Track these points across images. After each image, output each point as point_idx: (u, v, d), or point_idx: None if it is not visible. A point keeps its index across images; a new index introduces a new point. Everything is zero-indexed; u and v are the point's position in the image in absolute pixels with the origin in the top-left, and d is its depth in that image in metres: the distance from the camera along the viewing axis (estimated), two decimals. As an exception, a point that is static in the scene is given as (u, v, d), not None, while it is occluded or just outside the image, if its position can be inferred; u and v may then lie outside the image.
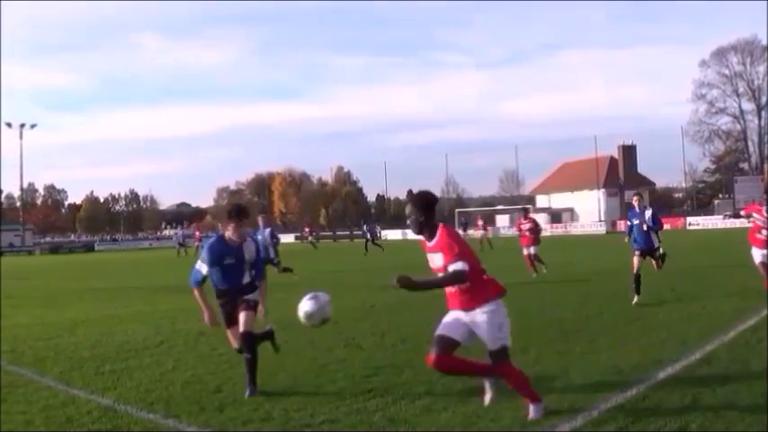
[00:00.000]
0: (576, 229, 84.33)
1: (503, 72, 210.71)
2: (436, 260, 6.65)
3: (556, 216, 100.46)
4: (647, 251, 14.83)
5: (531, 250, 21.74)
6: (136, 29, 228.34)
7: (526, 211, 24.23)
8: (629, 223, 15.46)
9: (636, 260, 14.53)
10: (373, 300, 16.94)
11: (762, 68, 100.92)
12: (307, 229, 73.74)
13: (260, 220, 21.48)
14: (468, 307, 6.61)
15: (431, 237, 6.72)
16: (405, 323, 12.96)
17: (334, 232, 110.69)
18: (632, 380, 7.63)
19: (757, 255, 13.44)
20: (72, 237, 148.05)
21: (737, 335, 10.10)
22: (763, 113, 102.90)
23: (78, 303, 19.80)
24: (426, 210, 6.80)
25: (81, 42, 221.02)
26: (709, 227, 70.04)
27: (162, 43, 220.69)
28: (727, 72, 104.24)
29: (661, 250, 15.17)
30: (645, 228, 14.75)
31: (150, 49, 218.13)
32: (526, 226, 22.45)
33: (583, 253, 34.05)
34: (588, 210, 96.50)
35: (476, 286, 6.61)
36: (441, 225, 6.78)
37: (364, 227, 51.62)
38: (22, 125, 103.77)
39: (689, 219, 78.39)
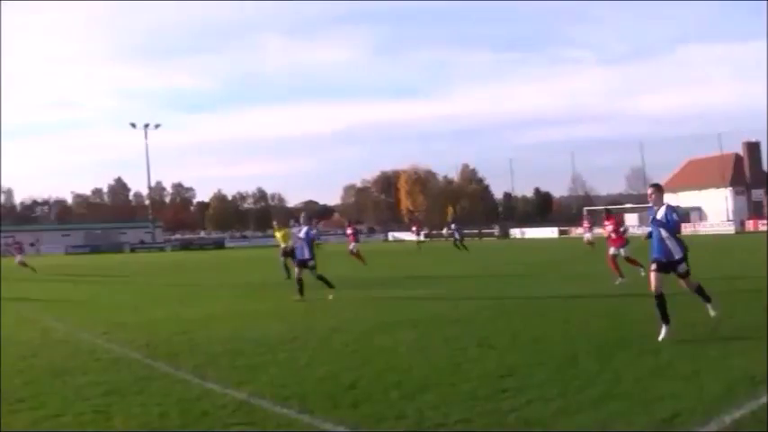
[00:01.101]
0: (704, 228, 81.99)
1: (627, 68, 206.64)
2: None
3: (684, 215, 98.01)
4: (668, 264, 10.94)
5: (622, 252, 20.58)
6: (259, 30, 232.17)
7: (608, 211, 22.79)
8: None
9: (653, 276, 10.87)
10: (503, 299, 16.85)
11: None
12: (414, 228, 73.86)
13: (301, 218, 20.33)
14: None
15: None
16: (537, 323, 12.83)
17: (461, 231, 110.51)
18: (765, 387, 7.33)
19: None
20: (201, 233, 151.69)
21: None
22: None
23: (212, 299, 20.33)
24: None
25: (206, 45, 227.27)
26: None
27: (286, 44, 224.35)
28: None
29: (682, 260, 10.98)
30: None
31: (274, 49, 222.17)
32: (608, 228, 21.27)
33: (711, 253, 33.04)
34: (716, 209, 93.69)
35: None
36: None
37: (452, 226, 52.29)
38: (146, 125, 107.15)
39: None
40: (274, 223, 31.66)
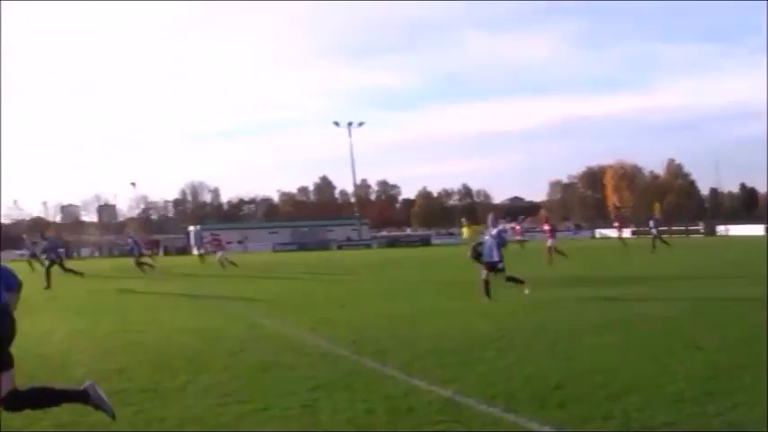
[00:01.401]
0: None
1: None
2: None
3: None
4: None
5: None
6: (459, 26, 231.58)
7: None
8: None
9: None
10: (710, 299, 16.46)
11: None
12: (616, 224, 68.79)
13: (488, 220, 19.58)
14: None
15: None
16: (746, 323, 12.40)
17: (670, 227, 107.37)
18: None
19: None
20: (408, 231, 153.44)
21: None
22: None
23: (418, 296, 20.60)
24: None
25: (406, 42, 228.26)
26: None
27: (486, 39, 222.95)
28: None
29: None
30: None
31: (475, 45, 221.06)
32: None
33: None
34: None
35: None
36: None
37: (650, 223, 50.74)
38: (350, 123, 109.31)
39: None
40: (463, 220, 31.39)
